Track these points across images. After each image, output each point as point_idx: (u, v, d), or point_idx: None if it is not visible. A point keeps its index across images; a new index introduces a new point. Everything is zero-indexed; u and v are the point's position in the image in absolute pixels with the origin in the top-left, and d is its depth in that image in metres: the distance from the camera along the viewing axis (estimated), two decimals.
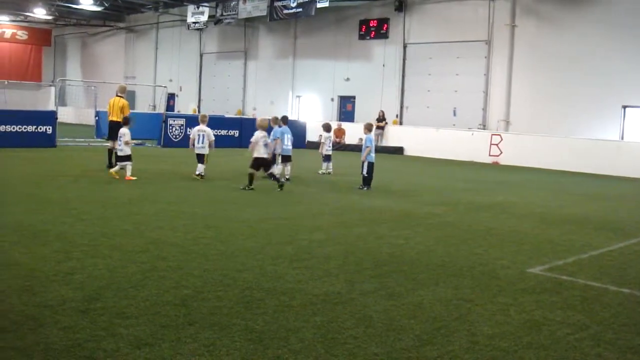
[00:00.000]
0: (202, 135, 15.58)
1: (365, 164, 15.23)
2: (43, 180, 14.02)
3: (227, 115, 36.16)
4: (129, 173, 14.86)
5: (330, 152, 18.72)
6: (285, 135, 16.36)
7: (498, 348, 5.16)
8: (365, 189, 15.22)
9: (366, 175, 15.28)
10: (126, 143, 14.73)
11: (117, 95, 17.30)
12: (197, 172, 15.46)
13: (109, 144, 17.28)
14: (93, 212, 10.29)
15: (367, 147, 15.31)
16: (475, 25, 29.65)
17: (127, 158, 14.85)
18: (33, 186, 13.02)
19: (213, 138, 15.77)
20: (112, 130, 17.12)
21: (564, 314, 6.16)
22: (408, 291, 6.65)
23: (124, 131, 15.02)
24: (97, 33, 54.37)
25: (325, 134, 19.02)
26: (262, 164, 14.24)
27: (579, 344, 5.36)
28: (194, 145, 15.63)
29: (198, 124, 16.08)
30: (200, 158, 15.55)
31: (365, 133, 15.87)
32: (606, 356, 5.16)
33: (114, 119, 17.02)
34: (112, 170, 15.24)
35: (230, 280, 6.68)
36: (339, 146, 31.65)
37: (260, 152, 14.15)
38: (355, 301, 6.19)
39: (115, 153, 15.53)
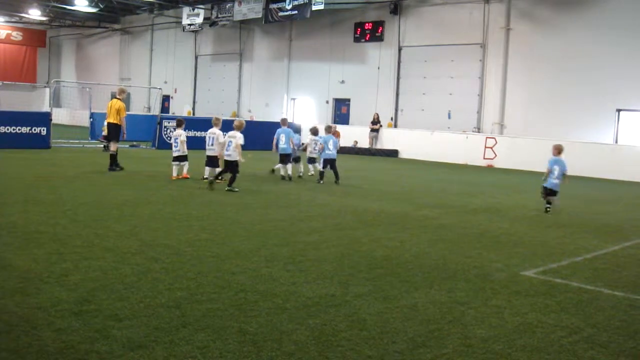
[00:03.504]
0: (212, 138, 15.58)
1: (321, 161, 17.29)
2: (37, 182, 13.99)
3: (216, 115, 36.09)
4: (185, 171, 16.05)
5: (315, 155, 18.77)
6: (281, 135, 17.42)
7: (492, 351, 5.16)
8: (321, 182, 16.83)
9: (321, 169, 17.19)
10: (182, 142, 15.94)
11: (115, 97, 17.34)
12: (209, 174, 15.48)
13: (112, 147, 17.25)
14: (87, 214, 10.27)
15: (321, 144, 17.31)
16: (470, 28, 29.71)
17: (185, 158, 16.03)
18: (27, 187, 12.98)
19: (222, 140, 15.21)
20: (109, 133, 17.19)
21: (558, 317, 6.18)
22: (402, 294, 6.65)
23: (179, 132, 16.21)
24: (92, 34, 54.32)
25: (311, 137, 19.18)
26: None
27: (573, 347, 5.38)
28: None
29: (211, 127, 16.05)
30: (211, 161, 15.59)
31: (325, 133, 17.96)
32: (599, 359, 5.17)
33: (111, 121, 17.07)
34: (173, 175, 15.93)
35: (225, 282, 6.67)
36: None
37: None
38: (349, 304, 6.19)
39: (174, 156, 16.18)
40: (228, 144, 14.38)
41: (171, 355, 4.67)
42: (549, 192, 13.66)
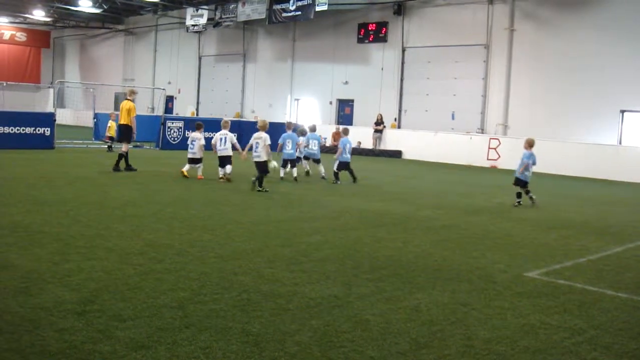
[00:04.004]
0: (225, 139, 16.01)
1: (336, 163, 17.44)
2: (40, 182, 14.01)
3: (225, 118, 36.13)
4: (200, 173, 16.34)
5: (300, 155, 18.81)
6: (288, 140, 17.56)
7: (494, 352, 5.15)
8: (338, 182, 17.10)
9: (336, 170, 17.33)
10: (200, 146, 16.28)
11: (126, 99, 17.48)
12: (224, 174, 16.01)
13: (123, 147, 17.35)
14: (90, 214, 10.28)
15: (340, 148, 17.48)
16: (474, 29, 29.69)
17: (200, 160, 16.32)
18: (30, 187, 13.00)
19: (235, 141, 16.23)
20: (121, 133, 17.42)
21: (561, 318, 6.16)
22: (405, 295, 6.65)
23: (198, 135, 16.48)
24: (96, 35, 54.41)
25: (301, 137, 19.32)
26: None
27: (576, 348, 5.36)
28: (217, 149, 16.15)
29: (194, 128, 17.26)
30: (225, 160, 16.04)
31: (342, 137, 18.01)
32: None
33: (122, 122, 17.24)
34: (183, 169, 16.36)
35: (227, 283, 6.67)
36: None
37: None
38: (352, 304, 6.19)
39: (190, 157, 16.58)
40: (255, 146, 14.60)
41: (174, 356, 4.67)
42: (522, 184, 14.60)
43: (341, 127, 19.82)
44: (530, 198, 14.59)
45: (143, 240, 8.50)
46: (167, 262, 7.38)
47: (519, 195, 14.60)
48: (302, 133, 19.24)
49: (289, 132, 17.86)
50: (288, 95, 38.69)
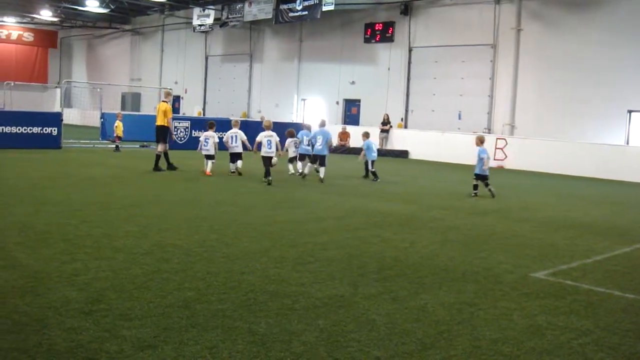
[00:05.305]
0: (235, 137, 17.50)
1: (370, 162, 18.32)
2: (47, 182, 14.06)
3: (232, 118, 36.16)
4: (209, 169, 17.24)
5: (294, 155, 19.08)
6: (304, 137, 18.37)
7: (501, 353, 5.15)
8: (377, 180, 18.13)
9: (373, 169, 18.34)
10: (214, 144, 17.46)
11: (162, 100, 17.99)
12: (235, 169, 17.49)
13: (159, 147, 17.72)
14: (97, 214, 10.32)
15: (363, 149, 18.53)
16: (481, 29, 29.63)
17: (213, 157, 17.40)
18: (37, 187, 13.06)
19: (245, 138, 17.66)
20: (157, 135, 17.82)
21: (568, 319, 6.15)
22: (411, 295, 6.64)
23: (211, 134, 17.58)
24: (102, 35, 54.57)
25: (289, 139, 19.35)
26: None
27: (583, 349, 5.35)
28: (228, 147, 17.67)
29: (205, 128, 18.62)
30: (236, 156, 17.48)
31: (364, 140, 18.88)
32: None
33: (158, 123, 17.71)
34: (207, 171, 17.27)
35: (234, 282, 6.68)
36: (343, 149, 31.72)
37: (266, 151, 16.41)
38: (358, 305, 6.19)
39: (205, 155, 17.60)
40: (268, 143, 16.25)
41: (180, 356, 4.68)
42: (482, 178, 15.90)
43: (363, 130, 20.55)
44: (490, 190, 15.69)
45: (150, 240, 8.52)
46: (174, 262, 7.40)
47: (475, 187, 15.79)
48: (291, 134, 19.61)
49: (322, 129, 18.70)
50: (294, 95, 38.71)
